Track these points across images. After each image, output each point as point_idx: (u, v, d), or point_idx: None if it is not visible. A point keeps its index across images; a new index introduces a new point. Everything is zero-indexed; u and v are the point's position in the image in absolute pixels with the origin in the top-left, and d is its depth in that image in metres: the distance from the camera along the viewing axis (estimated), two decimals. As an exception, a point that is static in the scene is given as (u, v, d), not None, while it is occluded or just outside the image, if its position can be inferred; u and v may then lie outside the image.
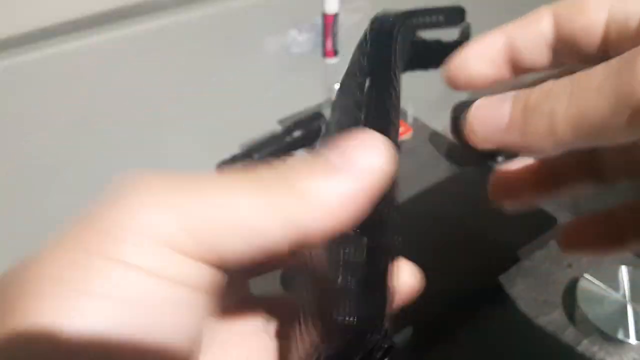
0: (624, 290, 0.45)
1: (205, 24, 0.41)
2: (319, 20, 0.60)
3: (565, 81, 0.17)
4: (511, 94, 0.19)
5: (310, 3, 0.49)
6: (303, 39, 0.65)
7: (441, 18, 0.27)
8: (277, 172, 0.15)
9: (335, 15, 0.60)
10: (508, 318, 0.46)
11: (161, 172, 0.14)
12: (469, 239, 0.51)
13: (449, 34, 0.25)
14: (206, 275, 0.15)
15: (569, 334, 0.45)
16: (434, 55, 0.25)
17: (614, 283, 0.45)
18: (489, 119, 0.19)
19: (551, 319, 0.46)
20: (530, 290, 0.48)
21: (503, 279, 0.48)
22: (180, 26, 0.40)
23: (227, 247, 0.14)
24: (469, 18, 0.26)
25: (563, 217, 0.53)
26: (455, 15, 0.28)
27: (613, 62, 0.16)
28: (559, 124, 0.17)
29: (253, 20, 0.45)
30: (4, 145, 0.51)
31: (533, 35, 0.21)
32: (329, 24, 0.60)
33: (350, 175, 0.15)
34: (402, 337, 0.43)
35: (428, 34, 0.26)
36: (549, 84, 0.18)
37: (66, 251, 0.13)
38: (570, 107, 0.16)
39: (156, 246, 0.13)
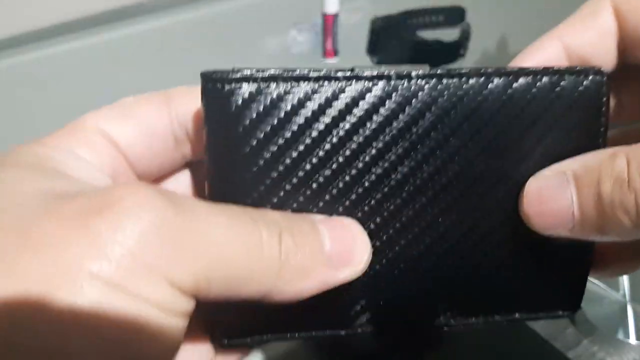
0: (624, 290, 0.45)
1: (205, 23, 0.41)
2: (319, 20, 0.60)
3: None
4: (570, 173, 0.17)
5: (310, 3, 0.49)
6: (303, 39, 0.65)
7: (441, 18, 0.27)
8: (279, 230, 0.16)
9: (335, 15, 0.60)
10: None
11: (162, 197, 0.14)
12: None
13: (449, 34, 0.25)
14: (189, 305, 0.15)
15: (569, 334, 0.45)
16: (434, 55, 0.26)
17: (614, 283, 0.45)
18: (549, 210, 0.17)
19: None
20: (530, 290, 0.48)
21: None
22: (180, 26, 0.40)
23: (213, 288, 0.14)
24: (469, 18, 0.27)
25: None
26: (455, 15, 0.28)
27: None
28: None
29: (253, 20, 0.45)
30: (3, 145, 0.51)
31: (592, 34, 0.18)
32: (329, 24, 0.60)
33: (338, 273, 0.16)
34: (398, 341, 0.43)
35: (428, 34, 0.26)
36: (621, 166, 0.15)
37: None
38: None
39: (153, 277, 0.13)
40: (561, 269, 0.20)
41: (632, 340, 0.42)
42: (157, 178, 0.20)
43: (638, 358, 0.42)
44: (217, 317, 0.18)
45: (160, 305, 0.14)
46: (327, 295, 0.17)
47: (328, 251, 0.16)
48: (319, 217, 0.17)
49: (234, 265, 0.15)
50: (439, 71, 0.17)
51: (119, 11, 0.36)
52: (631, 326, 0.42)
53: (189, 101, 0.18)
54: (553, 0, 0.64)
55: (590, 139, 0.18)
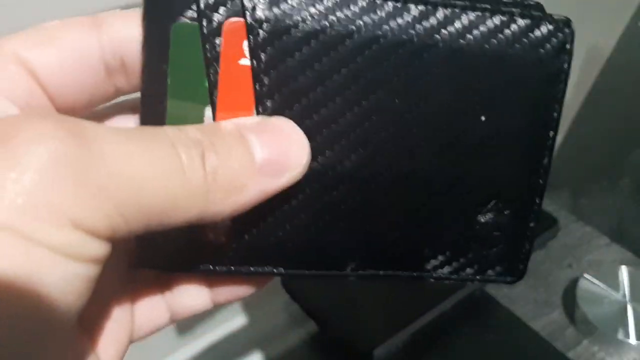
0: (624, 290, 0.45)
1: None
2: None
3: None
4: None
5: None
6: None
7: None
8: (197, 145, 0.14)
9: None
10: (505, 320, 0.46)
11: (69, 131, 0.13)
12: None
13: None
14: (102, 248, 0.13)
15: (569, 334, 0.45)
16: None
17: (614, 283, 0.45)
18: None
19: (551, 319, 0.46)
20: (530, 290, 0.48)
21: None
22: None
23: (128, 224, 0.13)
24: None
25: (563, 217, 0.53)
26: None
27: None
28: None
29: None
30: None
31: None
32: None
33: (275, 180, 0.16)
34: (398, 342, 0.43)
35: None
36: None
37: None
38: None
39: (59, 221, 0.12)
40: (499, 231, 0.19)
41: (632, 340, 0.42)
42: (96, 118, 0.18)
43: (638, 358, 0.42)
44: (146, 242, 0.17)
45: (63, 251, 0.12)
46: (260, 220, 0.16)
47: (260, 160, 0.15)
48: (248, 123, 0.16)
49: (152, 197, 0.13)
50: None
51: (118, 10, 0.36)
52: (631, 326, 0.42)
53: (124, 25, 0.16)
54: (552, 1, 0.64)
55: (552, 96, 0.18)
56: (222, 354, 0.57)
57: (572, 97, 0.80)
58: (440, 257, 0.19)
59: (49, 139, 0.12)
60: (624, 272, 0.46)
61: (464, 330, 0.44)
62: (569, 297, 0.47)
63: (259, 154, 0.15)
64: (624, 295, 0.44)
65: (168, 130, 0.14)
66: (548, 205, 0.54)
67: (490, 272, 0.20)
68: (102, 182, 0.13)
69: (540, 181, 0.19)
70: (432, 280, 0.20)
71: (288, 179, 0.16)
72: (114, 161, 0.13)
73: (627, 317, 0.43)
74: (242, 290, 0.19)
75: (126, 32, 0.16)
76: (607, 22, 0.73)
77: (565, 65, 0.18)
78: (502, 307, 0.46)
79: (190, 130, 0.15)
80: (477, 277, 0.20)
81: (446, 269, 0.19)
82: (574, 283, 0.47)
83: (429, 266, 0.19)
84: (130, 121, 0.18)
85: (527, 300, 0.47)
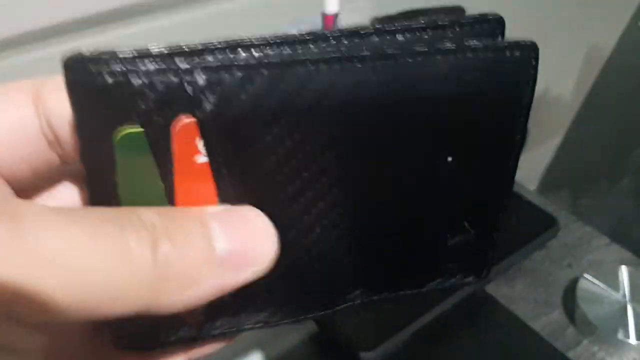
0: (624, 290, 0.45)
1: (206, 24, 0.41)
2: (318, 21, 0.60)
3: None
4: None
5: (310, 3, 0.49)
6: (303, 39, 0.65)
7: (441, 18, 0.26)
8: (142, 222, 0.13)
9: (335, 15, 0.60)
10: (505, 320, 0.46)
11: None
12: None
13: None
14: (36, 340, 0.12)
15: (569, 334, 0.45)
16: None
17: (614, 283, 0.45)
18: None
19: (551, 319, 0.46)
20: (530, 290, 0.48)
21: (500, 280, 0.49)
22: (180, 26, 0.40)
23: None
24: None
25: (563, 217, 0.53)
26: (455, 16, 0.28)
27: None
28: None
29: (253, 20, 0.45)
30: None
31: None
32: (329, 24, 0.60)
33: (236, 275, 0.14)
34: (398, 342, 0.43)
35: None
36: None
37: None
38: None
39: None
40: (460, 235, 0.20)
41: (632, 340, 0.42)
42: (37, 188, 0.17)
43: (638, 358, 0.42)
44: (116, 325, 0.16)
45: None
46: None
47: (220, 251, 0.14)
48: (213, 210, 0.15)
49: (91, 286, 0.12)
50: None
51: (119, 11, 0.36)
52: (631, 326, 0.42)
53: (58, 97, 0.15)
54: (553, 1, 0.64)
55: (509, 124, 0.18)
56: (222, 354, 0.57)
57: (572, 97, 0.80)
58: (410, 279, 0.21)
59: None
60: (624, 272, 0.46)
61: (464, 330, 0.44)
62: (569, 297, 0.47)
63: (220, 245, 0.14)
64: (624, 295, 0.44)
65: (119, 212, 0.13)
66: (548, 205, 0.54)
67: (453, 280, 0.21)
68: (31, 268, 0.11)
69: (504, 202, 0.20)
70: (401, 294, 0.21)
71: (251, 274, 0.15)
72: (47, 247, 0.12)
73: (627, 317, 0.43)
74: (215, 346, 0.19)
75: (61, 106, 0.15)
76: (607, 22, 0.73)
77: (527, 95, 0.17)
78: (502, 307, 0.46)
79: (145, 212, 0.13)
80: (441, 286, 0.21)
81: (414, 286, 0.21)
82: (574, 283, 0.47)
83: (402, 287, 0.21)
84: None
85: (527, 300, 0.47)
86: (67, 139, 0.15)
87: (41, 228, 0.12)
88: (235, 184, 0.16)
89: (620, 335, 0.42)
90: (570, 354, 0.43)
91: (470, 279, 0.21)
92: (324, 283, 0.19)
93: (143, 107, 0.14)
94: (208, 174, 0.15)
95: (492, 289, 0.48)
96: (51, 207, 0.13)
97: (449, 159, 0.18)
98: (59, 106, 0.15)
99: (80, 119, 0.14)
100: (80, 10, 0.34)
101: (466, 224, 0.20)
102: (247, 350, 0.58)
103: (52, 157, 0.16)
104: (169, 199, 0.15)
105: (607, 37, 0.76)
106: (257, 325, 0.18)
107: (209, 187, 0.15)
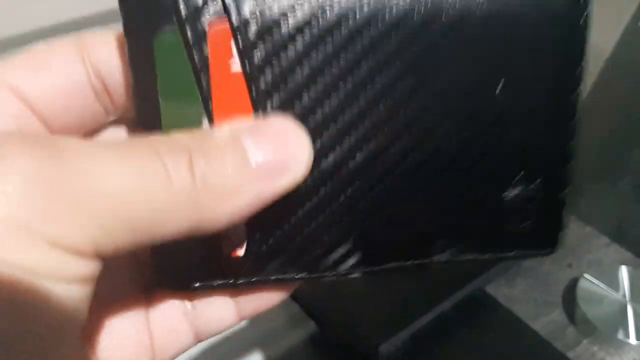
0: (624, 290, 0.45)
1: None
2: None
3: None
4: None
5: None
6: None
7: None
8: (180, 147, 0.14)
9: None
10: (505, 320, 0.46)
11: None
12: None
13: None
14: (82, 268, 0.13)
15: (569, 334, 0.45)
16: None
17: (614, 283, 0.45)
18: None
19: (551, 319, 0.46)
20: (530, 290, 0.48)
21: (500, 280, 0.49)
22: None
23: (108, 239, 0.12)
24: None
25: (563, 217, 0.53)
26: None
27: None
28: None
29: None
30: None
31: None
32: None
33: (273, 183, 0.15)
34: (398, 342, 0.43)
35: None
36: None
37: None
38: None
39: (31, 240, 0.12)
40: (531, 203, 0.18)
41: (632, 340, 0.42)
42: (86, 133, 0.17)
43: (638, 358, 0.42)
44: (160, 262, 0.16)
45: (43, 273, 0.12)
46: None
47: (256, 162, 0.14)
48: (243, 125, 0.15)
49: (136, 210, 0.13)
50: None
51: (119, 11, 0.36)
52: (631, 326, 0.42)
53: (106, 49, 0.16)
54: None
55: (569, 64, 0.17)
56: (222, 354, 0.57)
57: (572, 97, 0.80)
58: (468, 240, 0.18)
59: (22, 157, 0.12)
60: (624, 272, 0.46)
61: (464, 330, 0.44)
62: (569, 297, 0.47)
63: (254, 156, 0.14)
64: (624, 295, 0.44)
65: (152, 139, 0.14)
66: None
67: (524, 245, 0.19)
68: (77, 197, 0.12)
69: (571, 142, 0.18)
70: (462, 261, 0.19)
71: (288, 180, 0.15)
72: (90, 175, 0.12)
73: (627, 317, 0.43)
74: (268, 299, 0.18)
75: (108, 55, 0.16)
76: (607, 22, 0.73)
77: (583, 18, 0.17)
78: (502, 307, 0.46)
79: (178, 137, 0.14)
80: (510, 253, 0.19)
81: (475, 250, 0.19)
82: (574, 283, 0.47)
83: (457, 249, 0.18)
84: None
85: (527, 300, 0.47)
86: (116, 86, 0.16)
87: (83, 157, 0.12)
88: (270, 94, 0.16)
89: (620, 335, 0.42)
90: (570, 354, 0.43)
91: (541, 249, 0.19)
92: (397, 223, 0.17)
93: (182, 11, 0.15)
94: (243, 83, 0.16)
95: (492, 289, 0.48)
96: (89, 141, 0.14)
97: (500, 85, 0.17)
98: (106, 57, 0.16)
99: (128, 25, 0.15)
100: (80, 10, 0.34)
101: (527, 173, 0.18)
102: (247, 350, 0.57)
103: (98, 110, 0.17)
104: (207, 109, 0.16)
105: (607, 37, 0.75)
106: (297, 276, 0.17)
107: (245, 96, 0.16)
